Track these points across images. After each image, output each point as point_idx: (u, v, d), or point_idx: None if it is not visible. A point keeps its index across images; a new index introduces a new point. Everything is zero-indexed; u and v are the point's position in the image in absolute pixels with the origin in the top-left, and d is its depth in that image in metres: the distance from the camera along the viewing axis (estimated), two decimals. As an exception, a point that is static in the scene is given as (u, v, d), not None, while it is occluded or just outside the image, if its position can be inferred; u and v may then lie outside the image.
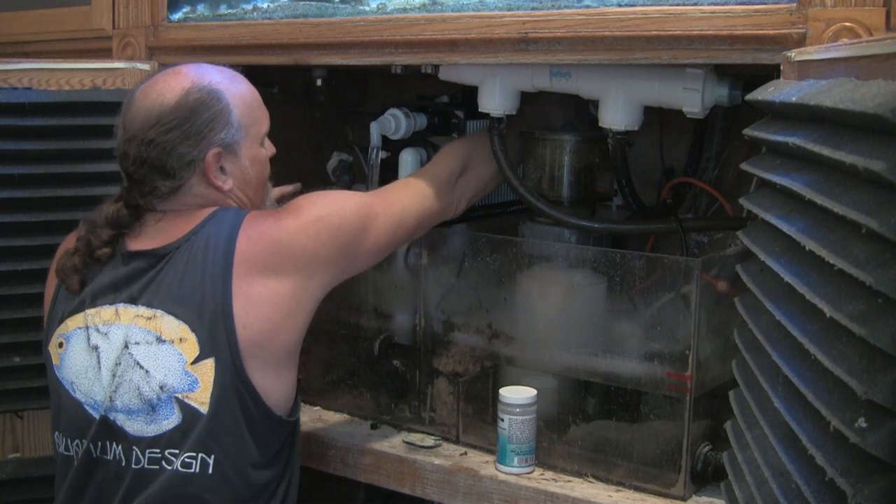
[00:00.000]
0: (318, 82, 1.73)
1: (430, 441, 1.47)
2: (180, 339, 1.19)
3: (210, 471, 1.19)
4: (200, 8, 1.66)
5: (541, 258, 1.44)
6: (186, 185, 1.26)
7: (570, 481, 1.33)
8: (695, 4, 1.17)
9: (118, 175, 1.57)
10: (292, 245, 1.23)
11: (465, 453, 1.43)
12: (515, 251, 1.44)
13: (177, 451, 1.18)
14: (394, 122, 1.65)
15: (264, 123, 1.33)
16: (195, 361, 1.19)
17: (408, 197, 1.40)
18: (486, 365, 1.49)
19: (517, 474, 1.34)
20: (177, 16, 1.68)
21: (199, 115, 1.24)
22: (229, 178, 1.28)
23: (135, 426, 1.20)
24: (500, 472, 1.35)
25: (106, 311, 1.24)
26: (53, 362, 1.27)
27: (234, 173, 1.29)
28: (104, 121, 1.57)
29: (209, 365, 1.19)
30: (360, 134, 1.82)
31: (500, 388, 1.38)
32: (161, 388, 1.19)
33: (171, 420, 1.19)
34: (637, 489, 1.30)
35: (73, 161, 1.55)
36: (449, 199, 1.46)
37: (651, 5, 1.20)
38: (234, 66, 1.35)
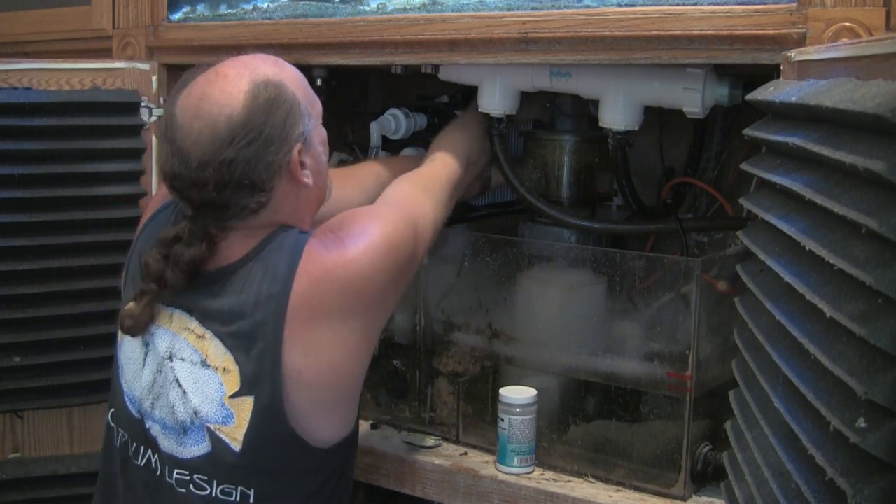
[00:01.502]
0: (318, 82, 1.73)
1: (430, 441, 1.47)
2: (224, 369, 1.12)
3: (251, 502, 1.12)
4: (200, 8, 1.66)
5: (541, 258, 1.44)
6: (275, 197, 1.14)
7: (570, 481, 1.33)
8: (695, 4, 1.17)
9: (118, 175, 1.58)
10: (364, 284, 1.13)
11: (465, 453, 1.43)
12: (515, 251, 1.44)
13: (206, 479, 1.13)
14: (394, 122, 1.65)
15: (318, 101, 1.22)
16: (234, 396, 1.11)
17: (431, 207, 1.31)
18: (486, 365, 1.49)
19: (517, 474, 1.34)
20: (177, 16, 1.68)
21: (274, 115, 1.11)
22: (309, 172, 1.18)
23: (166, 443, 1.15)
24: (500, 472, 1.35)
25: (163, 312, 1.17)
26: (118, 338, 1.23)
27: (311, 166, 1.18)
28: (104, 121, 1.58)
29: (248, 403, 1.10)
30: (360, 134, 1.81)
31: (500, 388, 1.37)
32: (195, 413, 1.13)
33: (200, 447, 1.13)
34: (637, 489, 1.30)
35: (73, 161, 1.55)
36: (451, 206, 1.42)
37: (651, 5, 1.20)
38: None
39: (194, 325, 1.14)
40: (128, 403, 1.20)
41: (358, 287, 1.12)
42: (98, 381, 1.58)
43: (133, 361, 1.20)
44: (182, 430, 1.14)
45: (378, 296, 1.15)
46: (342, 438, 1.19)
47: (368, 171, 1.52)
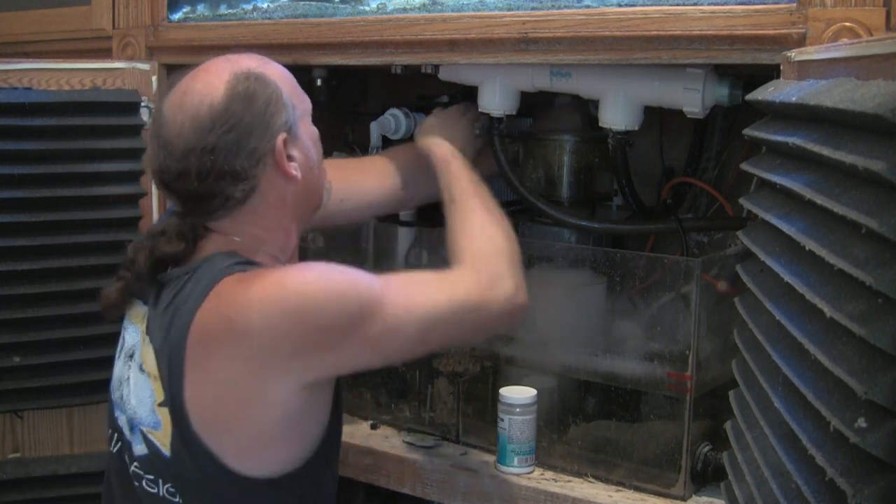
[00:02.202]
0: (318, 82, 1.73)
1: (430, 441, 1.47)
2: (155, 377, 1.11)
3: None
4: (200, 8, 1.66)
5: (541, 258, 1.44)
6: (259, 187, 1.13)
7: (570, 481, 1.33)
8: (695, 4, 1.17)
9: (118, 175, 1.58)
10: (250, 332, 1.04)
11: (465, 453, 1.43)
12: (515, 251, 1.44)
13: (152, 478, 1.13)
14: (394, 122, 1.65)
15: (307, 99, 1.22)
16: (161, 404, 1.10)
17: (428, 302, 1.13)
18: (486, 365, 1.49)
19: (517, 474, 1.34)
20: (177, 16, 1.68)
21: (255, 103, 1.11)
22: (297, 165, 1.16)
23: (127, 435, 1.16)
24: (500, 472, 1.35)
25: (138, 309, 1.18)
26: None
27: (299, 160, 1.16)
28: (104, 121, 1.58)
29: (167, 414, 1.09)
30: (360, 134, 1.81)
31: (500, 388, 1.37)
32: (134, 414, 1.14)
33: (141, 447, 1.13)
34: (637, 489, 1.30)
35: (73, 161, 1.55)
36: None
37: (651, 5, 1.20)
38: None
39: (142, 316, 1.16)
40: (110, 391, 1.22)
41: (241, 332, 1.04)
42: (98, 381, 1.57)
43: (118, 352, 1.22)
44: (130, 427, 1.15)
45: (274, 349, 1.04)
46: (283, 474, 1.11)
47: (383, 160, 1.52)
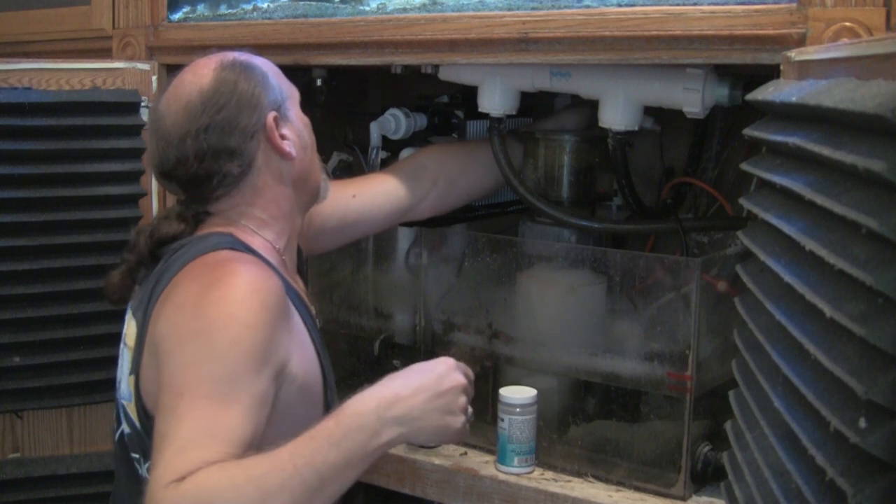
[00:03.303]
0: (318, 82, 1.73)
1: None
2: (130, 348, 1.14)
3: None
4: (200, 8, 1.66)
5: (541, 258, 1.44)
6: (255, 164, 1.18)
7: (570, 481, 1.33)
8: (695, 4, 1.17)
9: (118, 175, 1.58)
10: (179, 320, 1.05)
11: (465, 453, 1.43)
12: (515, 251, 1.44)
13: (138, 457, 1.13)
14: (394, 122, 1.65)
15: (293, 86, 1.27)
16: (130, 374, 1.13)
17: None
18: (486, 365, 1.49)
19: (517, 474, 1.34)
20: (177, 16, 1.68)
21: (241, 84, 1.17)
22: (291, 144, 1.20)
23: (123, 417, 1.18)
24: (500, 472, 1.35)
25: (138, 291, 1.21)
26: None
27: (292, 139, 1.21)
28: (104, 121, 1.58)
29: (133, 382, 1.12)
30: (360, 134, 1.81)
31: (500, 388, 1.37)
32: (120, 389, 1.17)
33: (125, 426, 1.15)
34: (637, 489, 1.30)
35: (73, 161, 1.55)
36: None
37: (651, 5, 1.20)
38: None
39: (133, 304, 1.18)
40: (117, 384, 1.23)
41: (172, 320, 1.05)
42: (98, 381, 1.58)
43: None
44: (119, 406, 1.17)
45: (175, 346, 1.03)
46: None
47: (391, 169, 1.55)
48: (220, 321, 1.01)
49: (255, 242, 1.18)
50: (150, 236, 1.19)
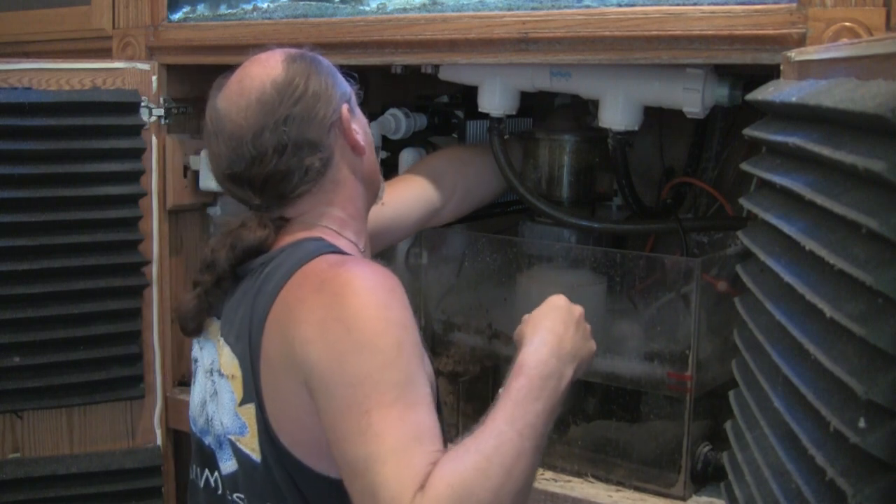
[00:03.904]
0: (319, 82, 1.72)
1: (430, 441, 1.46)
2: (232, 376, 1.06)
3: None
4: (200, 8, 1.66)
5: (541, 258, 1.44)
6: (334, 157, 1.12)
7: (570, 481, 1.33)
8: (695, 4, 1.17)
9: (118, 175, 1.58)
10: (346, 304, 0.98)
11: (465, 453, 1.43)
12: (515, 251, 1.44)
13: (243, 497, 1.06)
14: (394, 122, 1.65)
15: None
16: (241, 404, 1.05)
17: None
18: (486, 365, 1.49)
19: (517, 474, 1.34)
20: (177, 16, 1.68)
21: (313, 76, 1.12)
22: (361, 138, 1.15)
23: (220, 461, 1.10)
24: (500, 472, 1.35)
25: (212, 324, 1.13)
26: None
27: (361, 135, 1.16)
28: (104, 121, 1.58)
29: (252, 410, 1.03)
30: (361, 134, 1.81)
31: (500, 388, 1.37)
32: (221, 424, 1.07)
33: (229, 464, 1.07)
34: (637, 489, 1.30)
35: (73, 161, 1.55)
36: None
37: (651, 5, 1.20)
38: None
39: (218, 329, 1.10)
40: (191, 424, 1.17)
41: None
42: (98, 381, 1.58)
43: (193, 381, 1.17)
44: (219, 445, 1.09)
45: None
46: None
47: (414, 172, 1.52)
48: (378, 327, 0.96)
49: (342, 244, 1.12)
50: (231, 249, 1.10)
